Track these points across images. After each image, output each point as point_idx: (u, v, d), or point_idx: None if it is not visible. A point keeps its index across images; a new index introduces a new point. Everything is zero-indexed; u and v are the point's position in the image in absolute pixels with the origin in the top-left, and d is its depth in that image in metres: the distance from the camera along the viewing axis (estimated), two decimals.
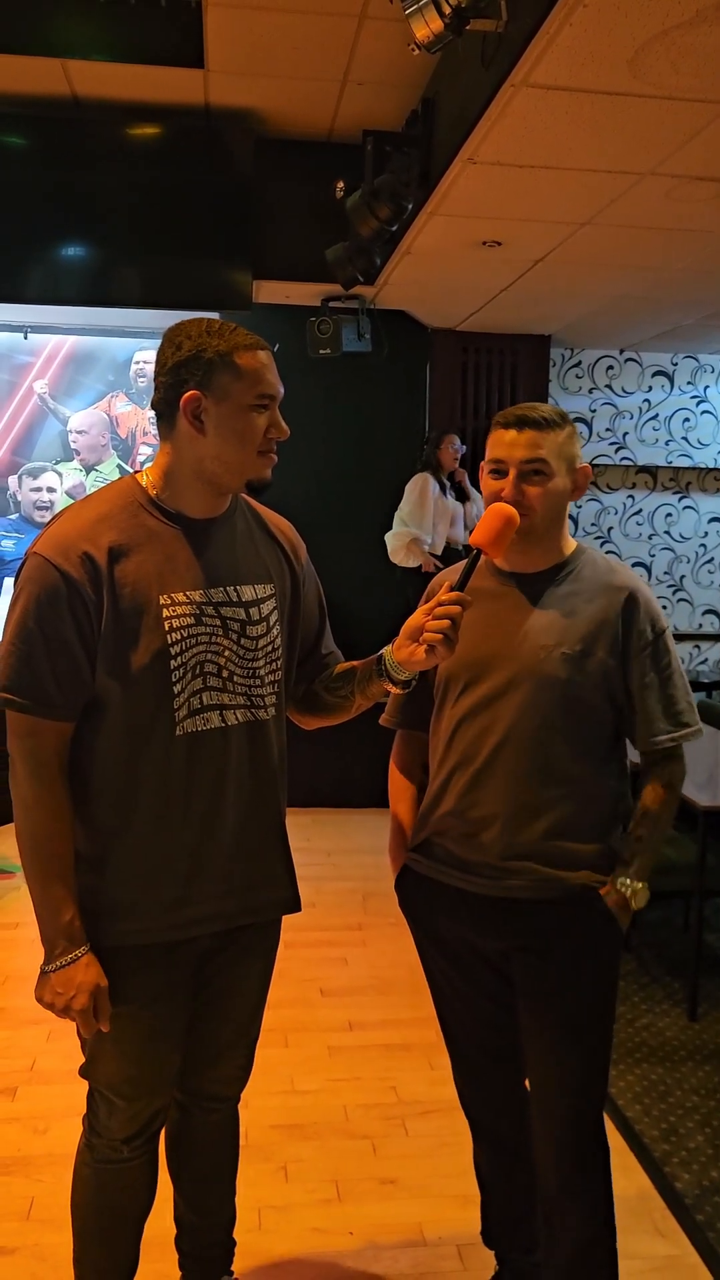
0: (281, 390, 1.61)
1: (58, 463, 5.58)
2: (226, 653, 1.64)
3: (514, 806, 1.77)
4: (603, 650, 1.77)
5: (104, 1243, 1.81)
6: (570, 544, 1.87)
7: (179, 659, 1.59)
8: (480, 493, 5.43)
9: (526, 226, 3.82)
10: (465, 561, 1.69)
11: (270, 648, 1.71)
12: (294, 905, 1.82)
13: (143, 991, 1.65)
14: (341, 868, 4.61)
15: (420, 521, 5.40)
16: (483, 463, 1.86)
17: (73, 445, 5.58)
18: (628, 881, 1.79)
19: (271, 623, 1.71)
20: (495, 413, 1.96)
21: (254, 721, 1.69)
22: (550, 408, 1.81)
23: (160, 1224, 1.93)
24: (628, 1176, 2.53)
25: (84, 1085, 1.77)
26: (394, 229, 3.64)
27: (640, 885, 1.79)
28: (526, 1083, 1.93)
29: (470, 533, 5.64)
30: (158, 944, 1.64)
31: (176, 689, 1.59)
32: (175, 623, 1.59)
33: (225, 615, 1.65)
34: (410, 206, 3.58)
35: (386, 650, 1.71)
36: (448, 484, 5.57)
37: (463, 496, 5.63)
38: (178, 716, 1.60)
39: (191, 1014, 1.76)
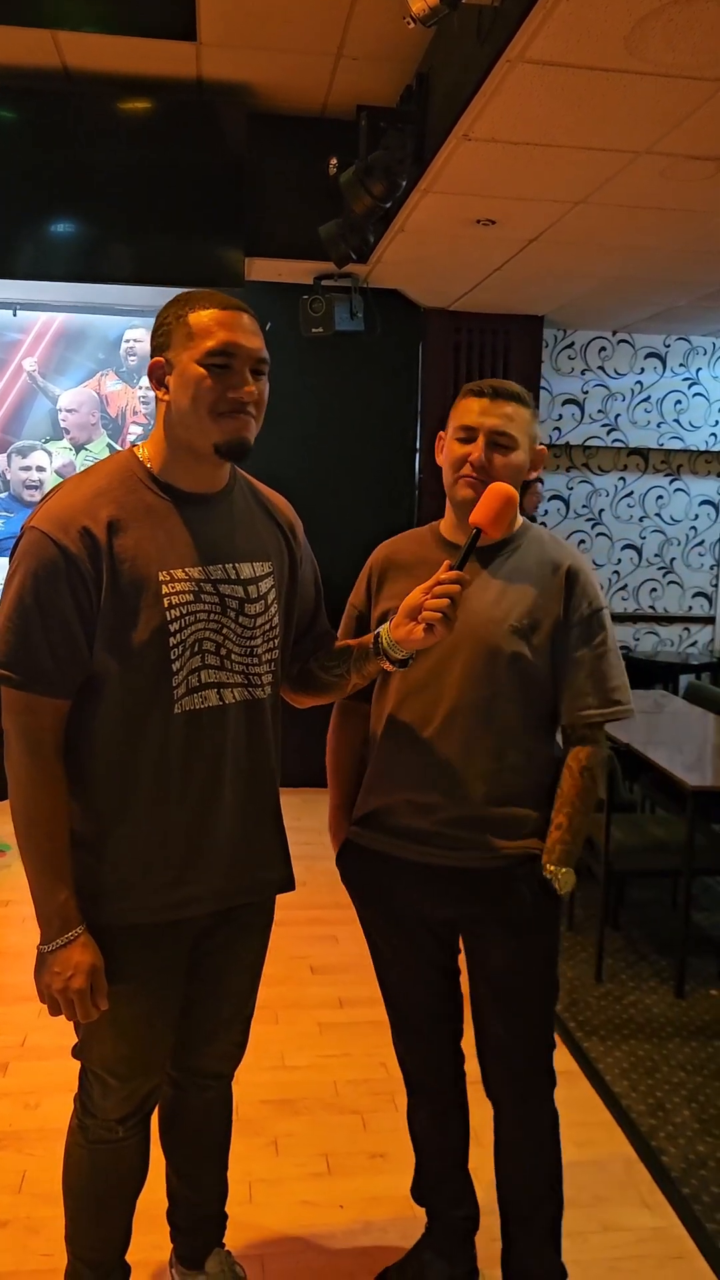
0: (249, 348, 1.56)
1: (47, 441, 5.54)
2: (225, 630, 1.64)
3: (465, 775, 1.81)
4: (547, 623, 1.82)
5: (97, 1220, 1.82)
6: (518, 520, 1.91)
7: (178, 636, 1.58)
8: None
9: (521, 205, 3.80)
10: (465, 541, 1.71)
11: (268, 626, 1.70)
12: (288, 884, 1.82)
13: (139, 971, 1.66)
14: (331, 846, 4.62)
15: None
16: (442, 432, 1.90)
17: (62, 424, 5.54)
18: (552, 868, 1.82)
19: (270, 601, 1.71)
20: None
21: (251, 700, 1.68)
22: (518, 386, 1.87)
23: (152, 1197, 1.95)
24: (615, 1150, 2.56)
25: (74, 1060, 1.78)
26: (388, 206, 3.62)
27: (564, 870, 1.82)
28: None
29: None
30: (155, 923, 1.64)
31: (175, 666, 1.58)
32: (174, 599, 1.58)
33: (224, 593, 1.64)
34: (404, 183, 3.55)
35: (384, 629, 1.72)
36: None
37: None
38: (176, 694, 1.59)
39: (187, 993, 1.77)
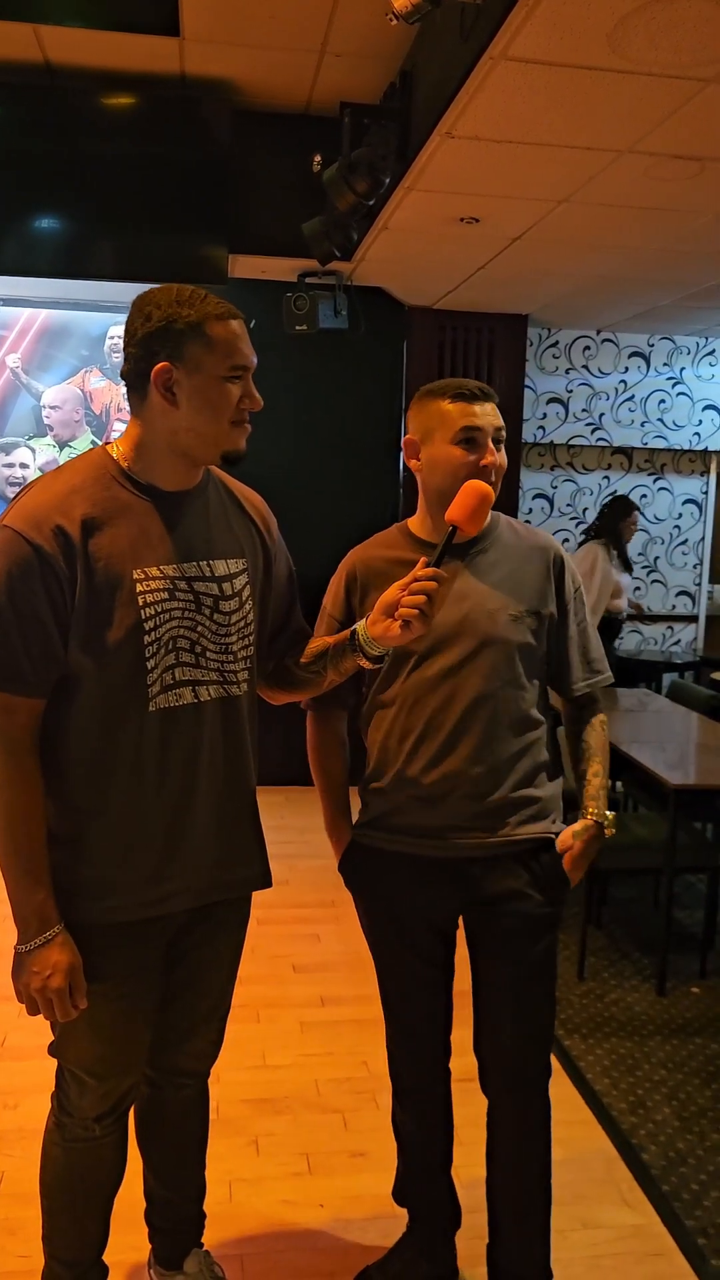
0: (255, 360, 1.60)
1: (31, 438, 5.51)
2: (199, 628, 1.63)
3: (486, 767, 1.84)
4: (543, 607, 1.88)
5: (74, 1219, 1.81)
6: None
7: (152, 634, 1.57)
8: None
9: (504, 203, 3.80)
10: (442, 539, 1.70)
11: (243, 623, 1.70)
12: (265, 881, 1.82)
13: (117, 969, 1.65)
14: (314, 845, 4.56)
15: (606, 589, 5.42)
16: (412, 437, 1.86)
17: (46, 421, 5.51)
18: (603, 812, 1.89)
19: (244, 598, 1.70)
20: None
21: (226, 697, 1.68)
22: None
23: (130, 1197, 1.94)
24: (595, 1148, 2.57)
25: (54, 1061, 1.77)
26: (371, 204, 3.61)
27: (611, 814, 1.90)
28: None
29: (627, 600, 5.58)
30: (132, 921, 1.64)
31: (150, 664, 1.58)
32: (149, 597, 1.57)
33: (198, 590, 1.63)
34: (388, 181, 3.54)
35: (360, 625, 1.71)
36: (614, 555, 5.53)
37: (627, 566, 5.66)
38: (151, 692, 1.59)
39: (164, 991, 1.76)
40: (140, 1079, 1.81)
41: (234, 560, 1.70)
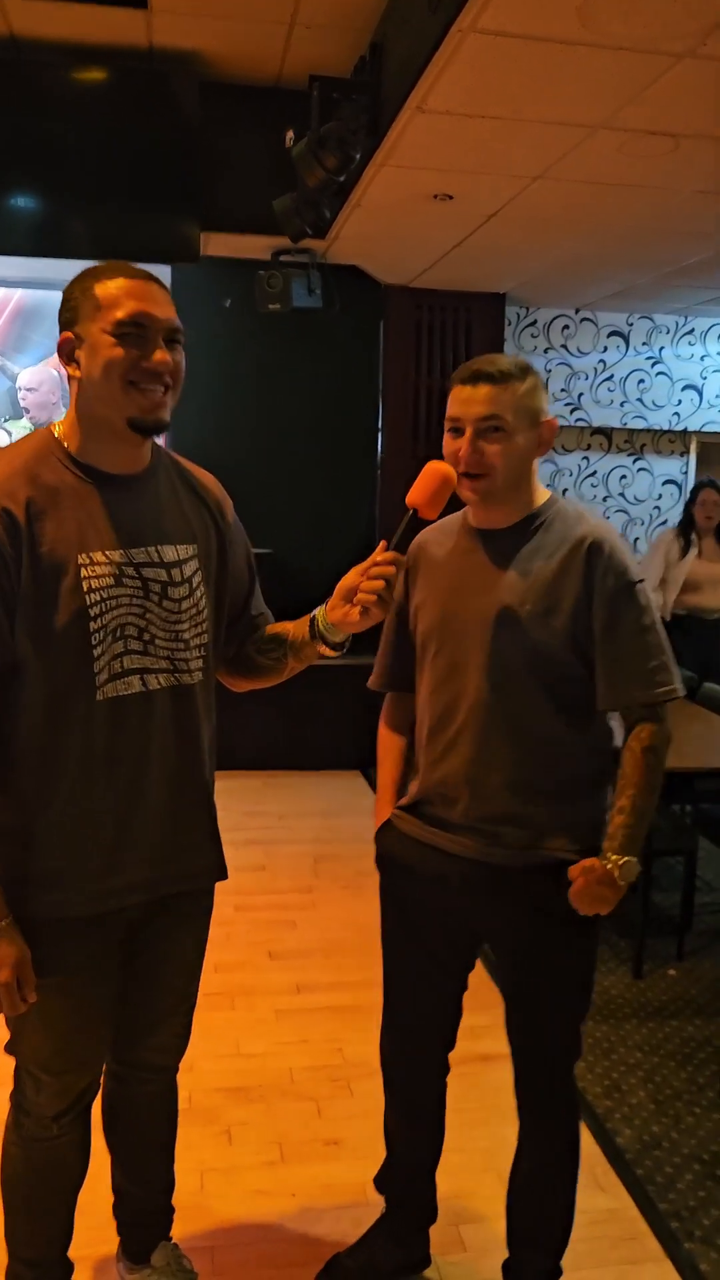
0: (160, 317, 1.52)
1: (6, 420, 5.45)
2: (148, 615, 1.59)
3: (488, 770, 1.75)
4: (567, 603, 1.70)
5: (34, 1219, 1.78)
6: (541, 495, 1.80)
7: (98, 620, 1.54)
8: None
9: (478, 179, 3.75)
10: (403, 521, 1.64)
11: (194, 610, 1.66)
12: (220, 873, 1.79)
13: (69, 963, 1.62)
14: (293, 830, 4.60)
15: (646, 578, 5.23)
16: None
17: (22, 403, 5.45)
18: (614, 858, 1.68)
19: (195, 584, 1.66)
20: (450, 372, 1.90)
21: (178, 686, 1.64)
22: (510, 359, 1.74)
23: (98, 1191, 1.92)
24: None
25: (9, 1055, 1.74)
26: (341, 180, 3.55)
27: (626, 860, 1.67)
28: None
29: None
30: (84, 916, 1.61)
31: (96, 652, 1.54)
32: (94, 583, 1.53)
33: (146, 576, 1.59)
34: (358, 156, 3.48)
35: (319, 611, 1.67)
36: (694, 542, 5.08)
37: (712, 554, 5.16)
38: (98, 681, 1.55)
39: (125, 986, 1.73)
40: (98, 1075, 1.78)
41: (184, 546, 1.66)
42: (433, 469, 1.64)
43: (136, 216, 4.44)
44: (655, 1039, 3.00)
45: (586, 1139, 2.54)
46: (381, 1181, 2.12)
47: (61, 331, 1.55)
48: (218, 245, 4.81)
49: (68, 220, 4.43)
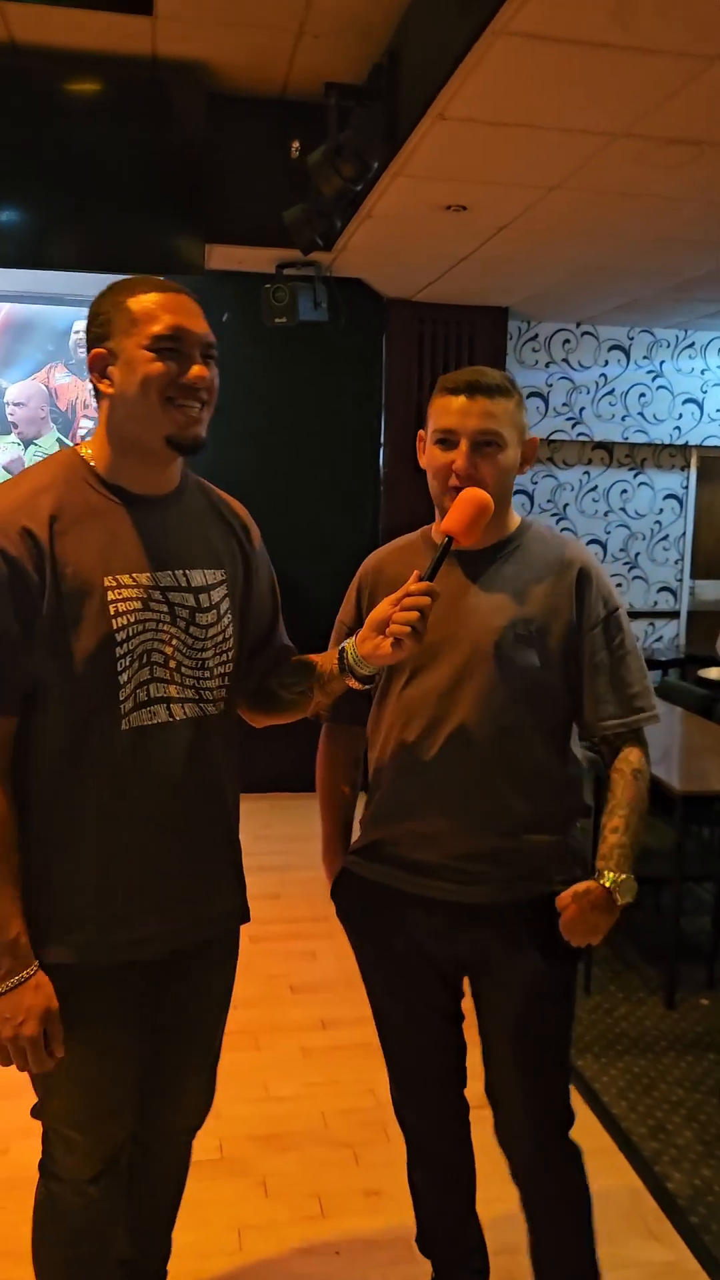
0: (197, 332, 1.46)
1: None
2: (174, 641, 1.50)
3: (473, 802, 1.66)
4: (558, 627, 1.67)
5: None
6: (514, 519, 1.76)
7: (125, 646, 1.45)
8: None
9: (494, 190, 3.67)
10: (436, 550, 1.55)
11: (220, 638, 1.57)
12: (244, 915, 1.70)
13: (95, 1012, 1.50)
14: (305, 854, 4.43)
15: None
16: (422, 431, 1.72)
17: (10, 418, 5.32)
18: (611, 875, 1.64)
19: (222, 611, 1.57)
20: None
21: (202, 716, 1.54)
22: (499, 373, 1.68)
23: None
24: (617, 1177, 2.45)
25: (35, 1120, 1.61)
26: (358, 188, 3.46)
27: (624, 877, 1.64)
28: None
29: None
30: (108, 962, 1.50)
31: (122, 679, 1.45)
32: (121, 606, 1.45)
33: (173, 601, 1.51)
34: (375, 165, 3.40)
35: (349, 643, 1.57)
36: None
37: None
38: (124, 709, 1.46)
39: (153, 1042, 1.62)
40: (128, 1131, 1.65)
41: (212, 570, 1.57)
42: (470, 496, 1.56)
43: (137, 228, 4.33)
44: (695, 1073, 2.90)
45: (636, 1186, 2.43)
46: (423, 1244, 2.00)
47: (92, 348, 1.48)
48: (222, 258, 4.71)
49: (65, 231, 4.31)
